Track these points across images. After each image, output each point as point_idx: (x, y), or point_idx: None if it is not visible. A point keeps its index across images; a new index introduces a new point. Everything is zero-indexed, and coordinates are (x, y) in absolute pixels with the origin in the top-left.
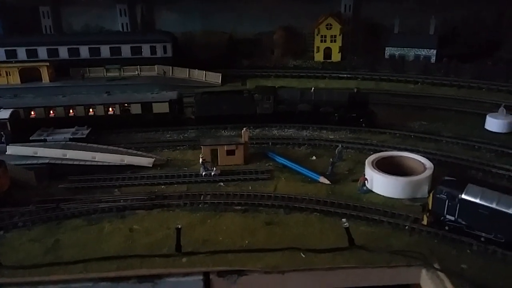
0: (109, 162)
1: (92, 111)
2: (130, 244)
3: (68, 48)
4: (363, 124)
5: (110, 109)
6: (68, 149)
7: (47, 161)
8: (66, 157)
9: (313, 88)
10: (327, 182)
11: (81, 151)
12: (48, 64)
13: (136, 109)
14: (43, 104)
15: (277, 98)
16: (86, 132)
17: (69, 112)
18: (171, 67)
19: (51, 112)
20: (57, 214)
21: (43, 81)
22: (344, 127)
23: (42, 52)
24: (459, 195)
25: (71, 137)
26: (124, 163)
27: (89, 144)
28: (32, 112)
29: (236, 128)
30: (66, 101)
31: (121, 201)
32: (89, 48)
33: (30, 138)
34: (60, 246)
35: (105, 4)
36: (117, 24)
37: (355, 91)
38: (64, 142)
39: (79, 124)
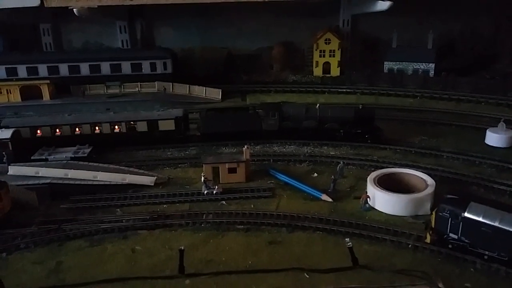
0: (110, 181)
1: (98, 129)
2: (132, 266)
3: (68, 65)
4: (369, 140)
5: (116, 127)
6: (70, 169)
7: (48, 181)
8: (67, 177)
9: (318, 105)
10: (329, 199)
11: (83, 171)
12: (48, 81)
13: (142, 126)
14: (49, 123)
15: (282, 115)
16: (88, 150)
17: (75, 131)
18: (171, 84)
19: (58, 130)
20: (59, 235)
21: (43, 99)
22: (344, 143)
23: (43, 69)
24: (462, 214)
25: (73, 156)
26: (125, 182)
27: (91, 163)
28: (38, 131)
29: (237, 145)
30: (72, 120)
31: (123, 221)
32: (89, 65)
33: (32, 158)
34: (63, 268)
35: (105, 21)
36: (117, 41)
37: (360, 107)
38: (65, 161)
39: (86, 142)
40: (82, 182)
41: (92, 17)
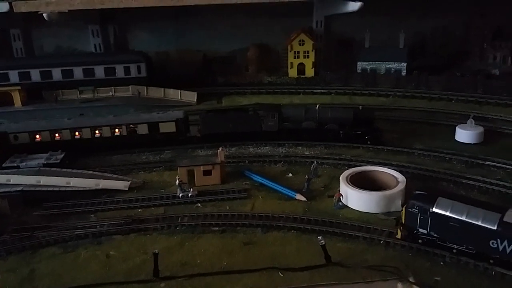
0: (84, 187)
1: (99, 133)
2: (107, 271)
3: (40, 71)
4: (369, 142)
5: (117, 130)
6: (42, 175)
7: (20, 188)
8: (40, 184)
9: (318, 106)
10: (303, 199)
11: (55, 177)
12: (19, 88)
13: (142, 129)
14: (48, 127)
15: (281, 116)
16: (60, 157)
17: (75, 135)
18: (145, 87)
19: (57, 135)
20: (32, 242)
21: (15, 105)
22: (318, 143)
23: (14, 75)
24: (430, 209)
25: (45, 162)
26: (99, 187)
27: (64, 169)
28: (38, 136)
29: (213, 147)
30: (72, 124)
31: (97, 226)
32: (61, 70)
33: (3, 165)
34: (36, 276)
35: (77, 25)
36: (89, 45)
37: (360, 108)
38: (37, 168)
39: (86, 146)
40: (55, 189)
41: (63, 21)
